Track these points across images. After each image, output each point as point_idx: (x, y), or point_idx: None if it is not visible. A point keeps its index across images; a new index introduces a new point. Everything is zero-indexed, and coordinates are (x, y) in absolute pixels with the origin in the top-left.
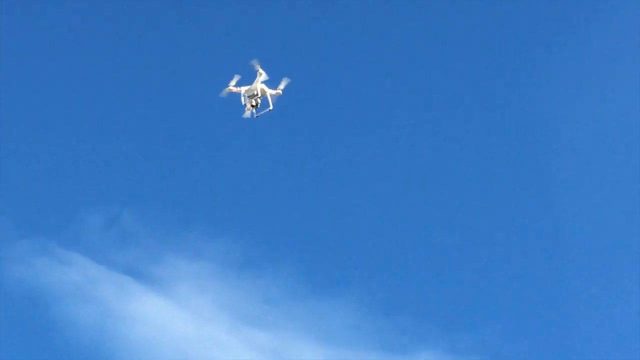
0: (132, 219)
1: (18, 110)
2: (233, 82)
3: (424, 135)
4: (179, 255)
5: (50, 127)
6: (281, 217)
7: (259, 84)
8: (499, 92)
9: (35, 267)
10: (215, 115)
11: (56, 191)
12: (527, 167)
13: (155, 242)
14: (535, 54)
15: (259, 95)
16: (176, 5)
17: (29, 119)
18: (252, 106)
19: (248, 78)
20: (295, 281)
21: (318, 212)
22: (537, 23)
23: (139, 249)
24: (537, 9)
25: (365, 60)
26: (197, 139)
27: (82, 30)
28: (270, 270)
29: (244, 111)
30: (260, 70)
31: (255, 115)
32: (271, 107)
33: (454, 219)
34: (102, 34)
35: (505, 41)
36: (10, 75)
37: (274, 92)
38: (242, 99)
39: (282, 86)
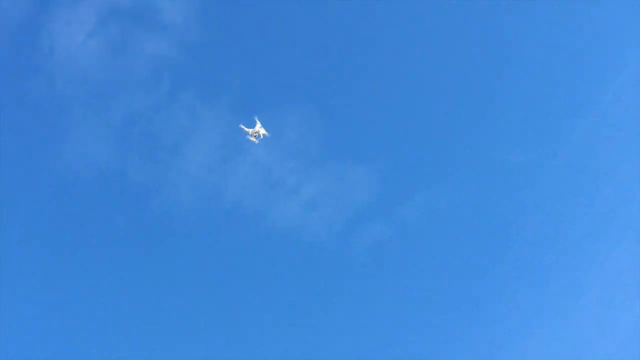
0: None
1: None
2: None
3: None
4: None
5: None
6: None
7: (259, 128)
8: None
9: None
10: None
11: None
12: None
13: None
14: None
15: (258, 134)
16: None
17: None
18: (254, 137)
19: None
20: None
21: None
22: None
23: None
24: None
25: None
26: None
27: None
28: None
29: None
30: (259, 125)
31: (256, 142)
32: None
33: None
34: None
35: None
36: None
37: (264, 132)
38: (249, 135)
39: (264, 132)
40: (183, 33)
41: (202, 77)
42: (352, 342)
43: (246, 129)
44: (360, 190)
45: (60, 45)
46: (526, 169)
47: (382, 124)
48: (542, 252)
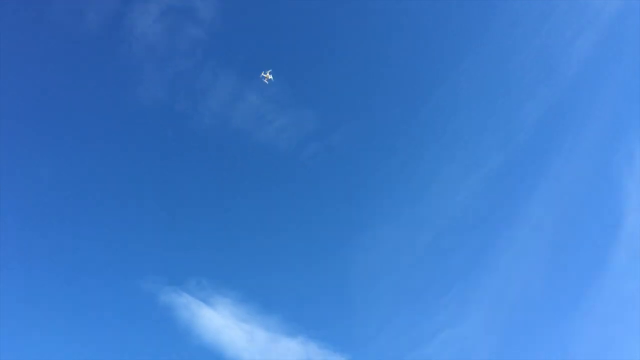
0: None
1: None
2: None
3: None
4: None
5: None
6: None
7: (269, 75)
8: None
9: None
10: None
11: None
12: None
13: None
14: None
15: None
16: None
17: None
18: (267, 80)
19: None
20: None
21: None
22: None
23: None
24: None
25: None
26: None
27: None
28: None
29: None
30: (270, 74)
31: (267, 82)
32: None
33: None
34: None
35: None
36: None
37: (270, 78)
38: (265, 79)
39: (271, 77)
40: (211, 22)
41: (224, 49)
42: (300, 203)
43: (263, 74)
44: (307, 124)
45: (137, 26)
46: None
47: (326, 85)
48: None
